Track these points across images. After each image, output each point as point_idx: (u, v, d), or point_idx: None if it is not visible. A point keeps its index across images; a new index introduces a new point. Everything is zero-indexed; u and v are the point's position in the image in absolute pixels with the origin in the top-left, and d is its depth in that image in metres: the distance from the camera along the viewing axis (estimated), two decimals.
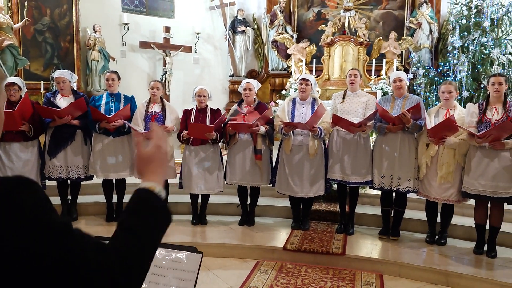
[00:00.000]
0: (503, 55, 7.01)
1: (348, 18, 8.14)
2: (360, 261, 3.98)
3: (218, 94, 9.44)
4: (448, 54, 7.61)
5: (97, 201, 5.13)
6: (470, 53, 7.17)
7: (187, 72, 9.55)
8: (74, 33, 7.84)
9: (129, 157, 4.70)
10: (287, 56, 9.26)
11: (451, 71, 7.37)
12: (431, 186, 4.13)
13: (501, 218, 3.98)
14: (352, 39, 7.91)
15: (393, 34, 8.29)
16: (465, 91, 7.00)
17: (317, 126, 4.25)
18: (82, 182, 4.83)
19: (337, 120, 4.21)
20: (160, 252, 1.57)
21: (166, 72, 8.70)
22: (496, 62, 7.00)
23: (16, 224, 0.84)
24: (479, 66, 7.14)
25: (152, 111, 4.61)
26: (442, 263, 3.89)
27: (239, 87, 4.74)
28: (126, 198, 4.98)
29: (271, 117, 4.56)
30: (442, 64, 7.81)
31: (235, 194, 4.92)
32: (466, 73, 7.07)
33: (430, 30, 8.66)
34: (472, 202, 4.14)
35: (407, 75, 4.59)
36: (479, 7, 7.30)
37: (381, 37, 8.51)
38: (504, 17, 7.21)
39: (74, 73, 5.78)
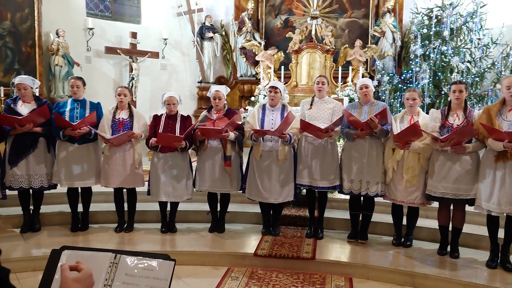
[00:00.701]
0: (462, 63, 7.31)
1: (315, 26, 8.28)
2: (330, 265, 4.03)
3: (186, 101, 9.39)
4: (411, 62, 7.87)
5: (62, 210, 4.97)
6: (431, 61, 7.44)
7: (155, 78, 9.45)
8: (36, 37, 7.62)
9: (95, 165, 4.59)
10: (256, 63, 9.32)
11: (413, 78, 7.62)
12: (397, 190, 4.24)
13: (463, 219, 4.13)
14: (319, 47, 8.05)
15: (358, 42, 8.50)
16: (427, 98, 7.25)
17: (286, 133, 4.29)
18: (45, 192, 4.67)
19: (304, 126, 4.27)
20: (131, 261, 1.53)
21: (133, 78, 8.57)
22: (456, 70, 7.29)
23: None
24: (440, 74, 7.41)
25: (119, 118, 4.52)
26: (408, 264, 3.98)
27: (208, 92, 4.72)
28: (92, 207, 4.85)
29: (240, 123, 4.56)
30: (405, 71, 8.06)
31: (204, 201, 4.88)
32: (428, 80, 7.33)
33: (394, 39, 8.95)
34: (435, 204, 4.27)
35: (372, 82, 4.71)
36: (439, 17, 7.60)
37: (347, 45, 8.71)
38: (462, 26, 7.54)
39: (36, 78, 5.61)
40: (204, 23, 9.78)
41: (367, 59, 8.81)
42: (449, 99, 4.16)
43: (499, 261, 3.89)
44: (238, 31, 9.63)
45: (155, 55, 9.15)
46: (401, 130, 4.07)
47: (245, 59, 9.67)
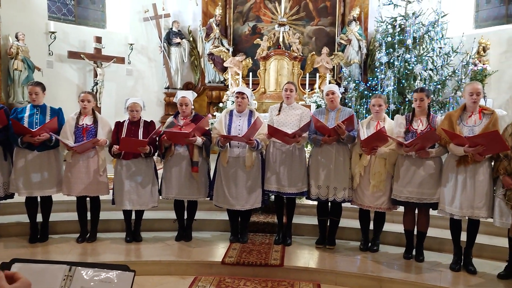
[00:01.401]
0: (425, 71, 7.52)
1: (283, 33, 8.34)
2: (298, 271, 4.01)
3: (153, 107, 9.23)
4: (376, 69, 8.04)
5: (19, 221, 4.74)
6: (396, 68, 7.62)
7: (120, 84, 9.25)
8: None
9: (56, 173, 4.41)
10: (224, 69, 9.30)
11: (379, 85, 7.78)
12: (364, 195, 4.28)
13: (427, 223, 4.20)
14: (286, 54, 8.11)
15: (325, 50, 8.62)
16: (392, 105, 7.41)
17: (253, 138, 4.25)
18: (1, 201, 4.44)
19: (272, 132, 4.25)
20: (87, 273, 1.45)
21: (97, 84, 8.35)
22: (419, 78, 7.49)
23: None
24: (403, 81, 7.60)
25: (83, 124, 4.37)
26: (375, 269, 4.02)
27: (174, 98, 4.64)
28: (53, 216, 4.65)
29: (207, 128, 4.50)
30: (370, 78, 8.23)
31: (170, 209, 4.77)
32: (393, 87, 7.49)
33: (359, 47, 9.13)
34: (401, 209, 4.34)
35: (339, 89, 4.76)
36: (403, 26, 7.81)
37: (314, 52, 8.82)
38: (424, 35, 7.76)
39: None
40: (172, 28, 9.68)
41: (334, 66, 8.95)
42: (412, 105, 4.24)
43: (462, 264, 3.98)
44: (206, 37, 9.58)
45: (120, 60, 8.97)
46: (368, 136, 4.12)
47: (213, 65, 9.62)
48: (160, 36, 9.62)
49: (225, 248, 4.42)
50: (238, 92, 4.48)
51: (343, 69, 8.67)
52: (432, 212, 4.18)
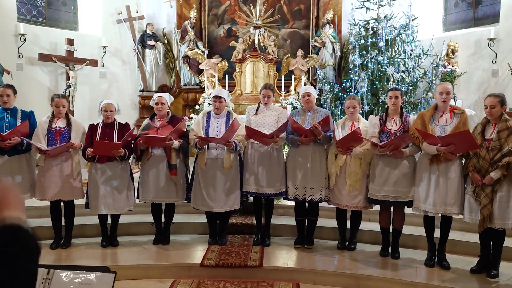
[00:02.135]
0: (397, 72, 7.70)
1: (258, 35, 8.38)
2: (277, 271, 4.03)
3: (127, 110, 9.10)
4: (350, 71, 8.17)
5: None
6: (369, 70, 7.77)
7: (93, 87, 9.09)
8: None
9: (28, 178, 4.30)
10: (199, 72, 9.26)
11: (353, 87, 7.91)
12: (341, 195, 4.34)
13: (403, 221, 4.30)
14: (262, 56, 8.16)
15: (300, 52, 8.70)
16: (366, 106, 7.54)
17: (232, 140, 4.26)
18: None
19: (250, 133, 4.26)
20: (66, 275, 1.43)
21: (70, 86, 8.17)
22: (392, 79, 7.66)
23: None
24: (377, 83, 7.76)
25: (56, 127, 4.27)
26: (353, 267, 4.08)
27: (151, 101, 4.60)
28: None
29: (185, 130, 4.47)
30: (344, 80, 8.36)
31: (147, 212, 4.72)
32: (366, 89, 7.64)
33: (333, 49, 9.26)
34: (376, 208, 4.42)
35: (315, 90, 4.82)
36: (375, 28, 7.97)
37: (289, 55, 8.90)
38: (396, 38, 7.95)
39: None
40: (146, 31, 9.57)
41: (308, 69, 9.05)
42: (386, 106, 4.34)
43: (436, 259, 4.09)
44: (180, 40, 9.52)
45: (93, 63, 8.80)
46: (343, 136, 4.19)
47: (188, 67, 9.56)
48: (134, 38, 9.50)
49: (204, 250, 4.40)
50: (216, 96, 4.48)
51: (318, 71, 8.77)
52: (406, 210, 4.28)
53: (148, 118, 4.57)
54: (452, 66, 8.39)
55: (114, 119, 4.46)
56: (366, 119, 4.58)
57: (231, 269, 4.02)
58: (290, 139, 4.40)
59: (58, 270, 1.44)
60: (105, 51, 9.18)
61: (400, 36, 7.92)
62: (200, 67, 8.89)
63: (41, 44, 8.38)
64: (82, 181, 4.45)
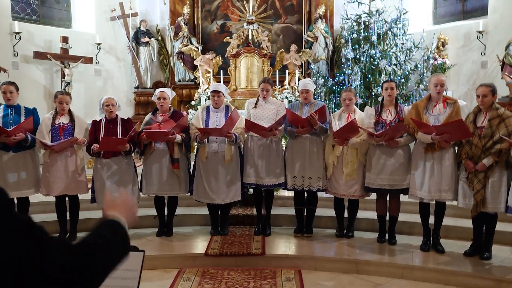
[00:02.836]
0: (389, 65, 7.84)
1: (252, 31, 8.47)
2: (279, 259, 4.17)
3: (123, 106, 9.02)
4: (343, 65, 8.30)
5: None
6: (362, 64, 7.91)
7: (89, 84, 9.12)
8: None
9: (33, 174, 4.38)
10: (194, 68, 9.34)
11: (346, 81, 8.05)
12: (339, 184, 4.49)
13: (399, 208, 4.46)
14: (256, 51, 8.24)
15: (293, 47, 8.81)
16: (360, 99, 7.68)
17: (232, 132, 4.37)
18: None
19: (250, 126, 4.38)
20: None
21: (69, 83, 8.20)
22: (384, 72, 7.81)
23: None
24: (369, 76, 7.90)
25: (59, 123, 4.35)
26: (351, 253, 4.23)
27: (153, 96, 4.69)
28: None
29: (187, 124, 4.58)
30: (338, 74, 8.49)
31: (150, 206, 4.82)
32: (359, 82, 7.78)
33: (326, 43, 9.38)
34: (373, 197, 4.57)
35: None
36: (367, 22, 8.10)
37: (282, 50, 8.99)
38: (388, 32, 8.09)
39: None
40: (139, 27, 9.61)
41: (302, 63, 9.16)
42: (379, 99, 4.48)
43: (431, 244, 4.25)
44: (174, 36, 9.57)
45: (88, 60, 8.83)
46: (340, 127, 4.33)
47: (182, 63, 9.63)
48: (128, 35, 9.54)
49: (207, 241, 4.52)
50: (214, 91, 4.58)
51: (311, 66, 8.89)
52: (401, 198, 4.44)
53: (151, 113, 4.67)
54: (443, 58, 8.55)
55: (116, 115, 4.54)
56: (361, 111, 4.72)
57: (235, 257, 4.15)
58: (289, 131, 4.53)
59: None
60: (99, 48, 9.20)
61: (392, 29, 8.05)
62: (195, 63, 8.96)
63: (36, 42, 8.39)
64: (86, 176, 4.53)
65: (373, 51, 7.84)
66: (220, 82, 8.03)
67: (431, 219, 4.29)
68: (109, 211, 1.27)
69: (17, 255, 0.87)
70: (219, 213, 4.76)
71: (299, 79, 8.22)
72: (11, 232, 0.88)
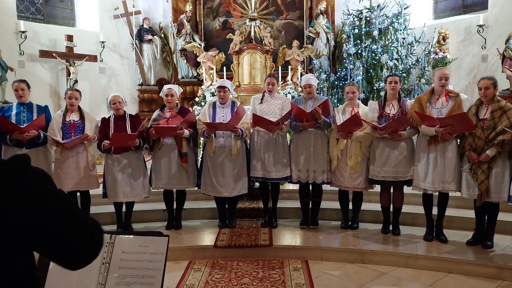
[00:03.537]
0: (391, 60, 7.93)
1: (254, 27, 8.55)
2: (287, 250, 4.28)
3: (127, 104, 9.23)
4: (344, 60, 8.39)
5: None
6: (364, 59, 7.99)
7: (93, 82, 9.23)
8: None
9: (45, 169, 4.46)
10: (197, 64, 9.42)
11: (348, 76, 8.14)
12: (343, 177, 4.59)
13: (402, 200, 4.56)
14: (259, 48, 8.33)
15: (295, 43, 8.89)
16: (362, 93, 7.77)
17: (238, 127, 4.47)
18: None
19: (257, 120, 4.48)
20: (126, 239, 1.65)
21: (76, 81, 8.31)
22: (385, 67, 7.90)
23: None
24: (371, 71, 7.99)
25: (70, 120, 4.46)
26: (357, 243, 4.34)
27: (161, 92, 4.79)
28: None
29: (194, 120, 4.68)
30: (339, 69, 8.58)
31: (159, 200, 4.93)
32: (361, 77, 7.87)
33: (327, 39, 9.47)
34: (377, 189, 4.67)
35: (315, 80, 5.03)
36: (368, 18, 8.19)
37: (284, 46, 9.08)
38: (389, 27, 8.18)
39: None
40: (142, 25, 9.70)
41: (304, 59, 9.24)
42: (381, 93, 4.58)
43: (434, 234, 4.36)
44: (177, 33, 9.66)
45: (93, 58, 8.94)
46: (344, 121, 4.43)
47: (185, 60, 9.72)
48: (131, 33, 9.63)
49: (215, 233, 4.63)
50: (220, 86, 4.68)
51: (313, 61, 8.98)
52: (405, 190, 4.54)
53: (158, 109, 4.77)
54: (444, 52, 8.64)
55: (124, 111, 4.65)
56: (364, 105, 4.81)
57: (243, 249, 4.26)
58: (293, 125, 4.63)
59: (119, 235, 1.66)
60: (103, 47, 9.30)
61: (393, 24, 8.14)
62: (198, 59, 9.05)
63: (41, 41, 8.49)
64: (97, 172, 4.64)
65: (375, 46, 7.93)
66: (223, 78, 8.14)
67: (434, 210, 4.39)
68: None
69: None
70: (227, 206, 4.87)
71: (301, 75, 8.32)
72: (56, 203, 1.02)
